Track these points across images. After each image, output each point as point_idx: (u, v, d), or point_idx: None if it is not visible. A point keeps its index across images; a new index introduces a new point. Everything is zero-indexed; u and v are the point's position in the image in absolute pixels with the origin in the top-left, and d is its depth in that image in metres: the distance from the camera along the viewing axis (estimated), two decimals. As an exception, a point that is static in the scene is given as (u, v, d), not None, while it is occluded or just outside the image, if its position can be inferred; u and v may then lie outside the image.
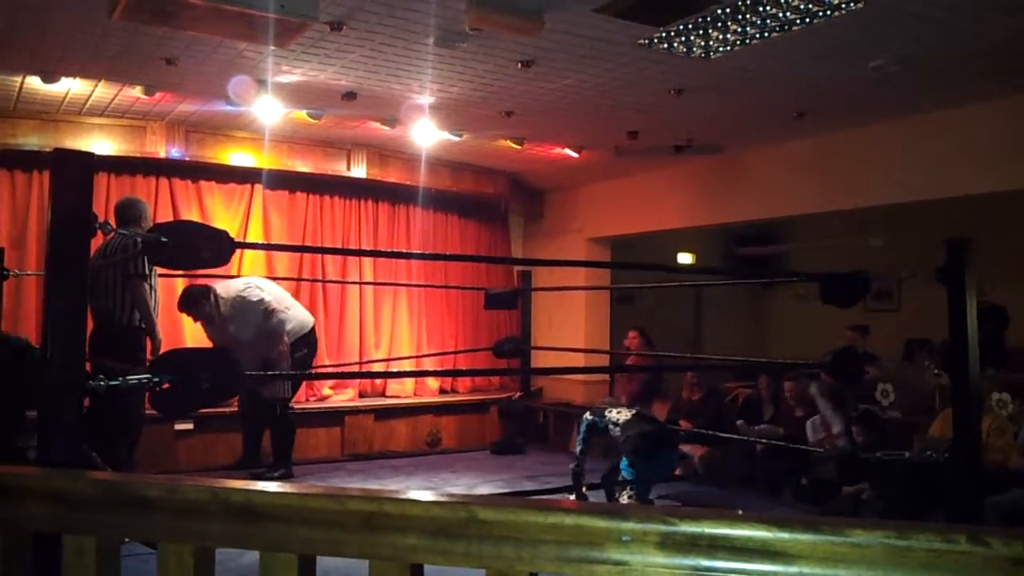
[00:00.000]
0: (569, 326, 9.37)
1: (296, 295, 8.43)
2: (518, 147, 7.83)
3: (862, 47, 5.16)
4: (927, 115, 6.49)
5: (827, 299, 4.47)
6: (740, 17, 4.66)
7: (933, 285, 4.05)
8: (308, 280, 8.47)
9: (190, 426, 7.19)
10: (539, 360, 8.84)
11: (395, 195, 8.96)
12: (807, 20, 4.67)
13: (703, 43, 5.05)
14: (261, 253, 8.16)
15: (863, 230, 8.68)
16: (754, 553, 1.07)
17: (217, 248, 3.22)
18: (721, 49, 5.14)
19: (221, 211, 7.98)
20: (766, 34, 4.88)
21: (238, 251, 7.80)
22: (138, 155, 7.27)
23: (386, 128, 7.22)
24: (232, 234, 3.35)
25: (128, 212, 5.45)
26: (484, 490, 6.72)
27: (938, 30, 4.88)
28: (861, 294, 4.49)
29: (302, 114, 6.78)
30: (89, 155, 2.85)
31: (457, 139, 7.51)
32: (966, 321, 3.96)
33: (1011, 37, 4.96)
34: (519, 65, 5.56)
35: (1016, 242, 7.80)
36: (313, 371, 7.43)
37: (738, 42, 5.02)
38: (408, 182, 8.54)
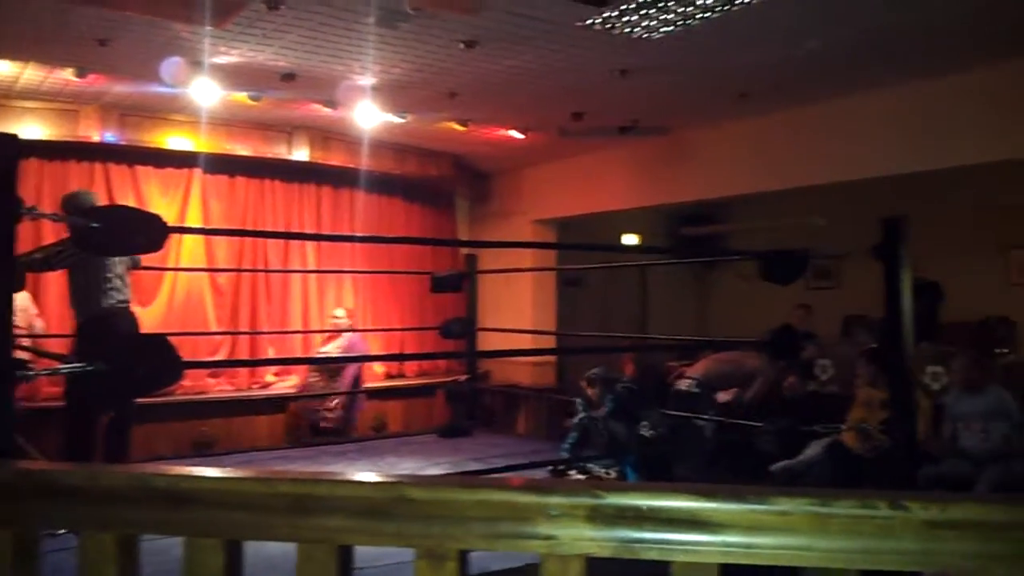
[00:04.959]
0: (516, 310, 9.37)
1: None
2: (463, 129, 7.78)
3: (797, 28, 5.23)
4: (863, 95, 6.61)
5: (767, 277, 4.53)
6: (680, -3, 4.69)
7: (871, 262, 4.14)
8: (249, 270, 8.33)
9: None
10: (485, 344, 8.83)
11: (338, 178, 8.85)
12: (746, 1, 4.71)
13: (645, 23, 5.07)
14: (200, 239, 8.01)
15: (806, 210, 8.81)
16: (681, 523, 1.08)
17: (150, 233, 3.15)
18: (663, 29, 5.16)
19: (158, 196, 7.81)
20: (707, 14, 4.92)
21: (176, 238, 7.69)
22: (71, 139, 7.06)
23: (328, 110, 7.12)
24: (170, 220, 3.29)
25: (71, 204, 5.16)
26: (431, 472, 6.69)
27: (868, 10, 4.96)
28: (800, 272, 4.57)
29: (241, 96, 6.65)
30: (12, 136, 2.76)
31: (401, 121, 7.43)
32: (901, 297, 4.05)
33: (946, 18, 5.07)
34: (461, 46, 5.52)
35: (951, 218, 8.01)
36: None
37: (679, 22, 5.05)
38: (351, 165, 8.41)
